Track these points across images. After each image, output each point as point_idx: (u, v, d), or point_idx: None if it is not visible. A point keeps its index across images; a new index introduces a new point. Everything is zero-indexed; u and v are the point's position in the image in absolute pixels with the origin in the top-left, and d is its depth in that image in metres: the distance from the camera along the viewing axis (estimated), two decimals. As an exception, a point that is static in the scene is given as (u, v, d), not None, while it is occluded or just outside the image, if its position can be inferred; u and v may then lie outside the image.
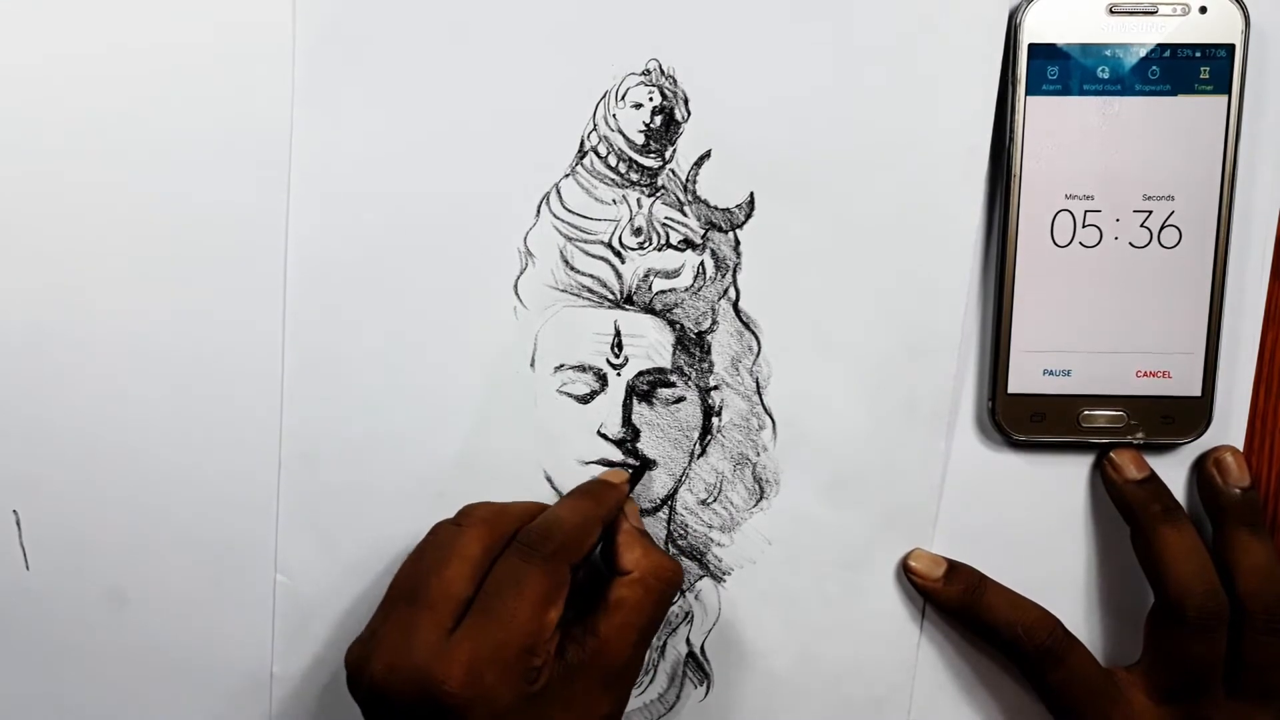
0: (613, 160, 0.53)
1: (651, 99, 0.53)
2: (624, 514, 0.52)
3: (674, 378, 0.54)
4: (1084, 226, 0.52)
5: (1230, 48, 0.50)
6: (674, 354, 0.54)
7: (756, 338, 0.54)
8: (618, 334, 0.54)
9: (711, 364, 0.54)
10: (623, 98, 0.53)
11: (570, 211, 0.53)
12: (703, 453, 0.55)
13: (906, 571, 0.55)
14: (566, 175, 0.53)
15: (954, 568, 0.54)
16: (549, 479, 0.55)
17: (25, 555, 0.56)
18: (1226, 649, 0.51)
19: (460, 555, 0.49)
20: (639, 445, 0.55)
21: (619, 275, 0.54)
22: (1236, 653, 0.51)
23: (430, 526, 0.52)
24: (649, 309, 0.54)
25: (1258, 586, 0.51)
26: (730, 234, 0.53)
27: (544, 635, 0.47)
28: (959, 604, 0.54)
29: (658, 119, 0.53)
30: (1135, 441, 0.53)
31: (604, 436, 0.55)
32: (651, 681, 0.56)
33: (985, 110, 0.52)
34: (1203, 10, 0.50)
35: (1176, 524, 0.52)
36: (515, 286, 0.54)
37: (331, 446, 0.55)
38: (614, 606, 0.49)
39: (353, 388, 0.54)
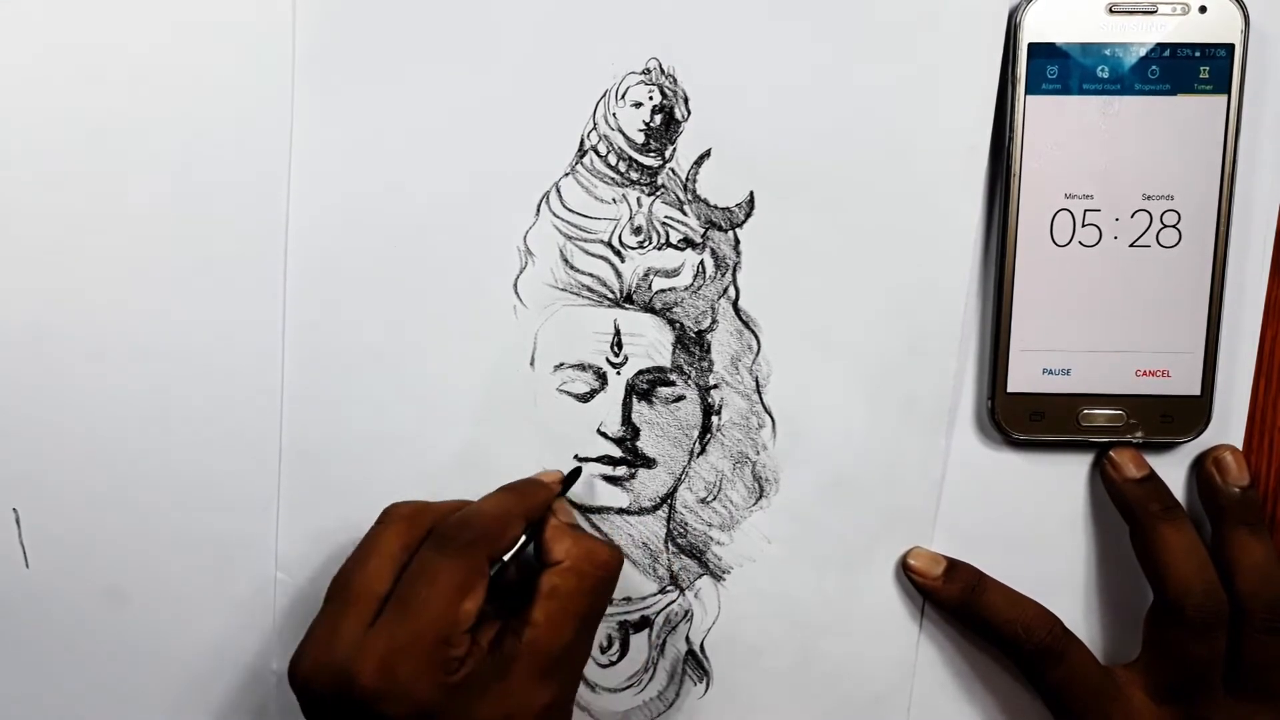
0: (613, 159, 0.53)
1: (651, 98, 0.53)
2: (552, 511, 0.52)
3: (674, 376, 0.54)
4: (1084, 226, 0.52)
5: (1230, 47, 0.50)
6: (674, 353, 0.54)
7: (756, 336, 0.54)
8: (617, 333, 0.54)
9: (711, 363, 0.54)
10: (623, 97, 0.53)
11: (570, 210, 0.53)
12: (702, 451, 0.55)
13: (906, 570, 0.55)
14: (566, 174, 0.53)
15: (953, 566, 0.54)
16: (549, 478, 0.55)
17: (25, 553, 0.56)
18: (1225, 648, 0.51)
19: (379, 552, 0.49)
20: (639, 444, 0.55)
21: (619, 274, 0.54)
22: (1235, 651, 0.51)
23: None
24: (649, 308, 0.54)
25: (1257, 585, 0.51)
26: (730, 233, 0.53)
27: (460, 626, 0.47)
28: (958, 602, 0.54)
29: (658, 118, 0.53)
30: (1135, 440, 0.53)
31: (604, 435, 0.55)
32: (651, 679, 0.56)
33: (985, 109, 0.52)
34: (1202, 10, 0.50)
35: (1176, 523, 0.52)
36: (515, 285, 0.54)
37: (331, 445, 0.55)
38: (547, 594, 0.49)
39: (353, 386, 0.54)
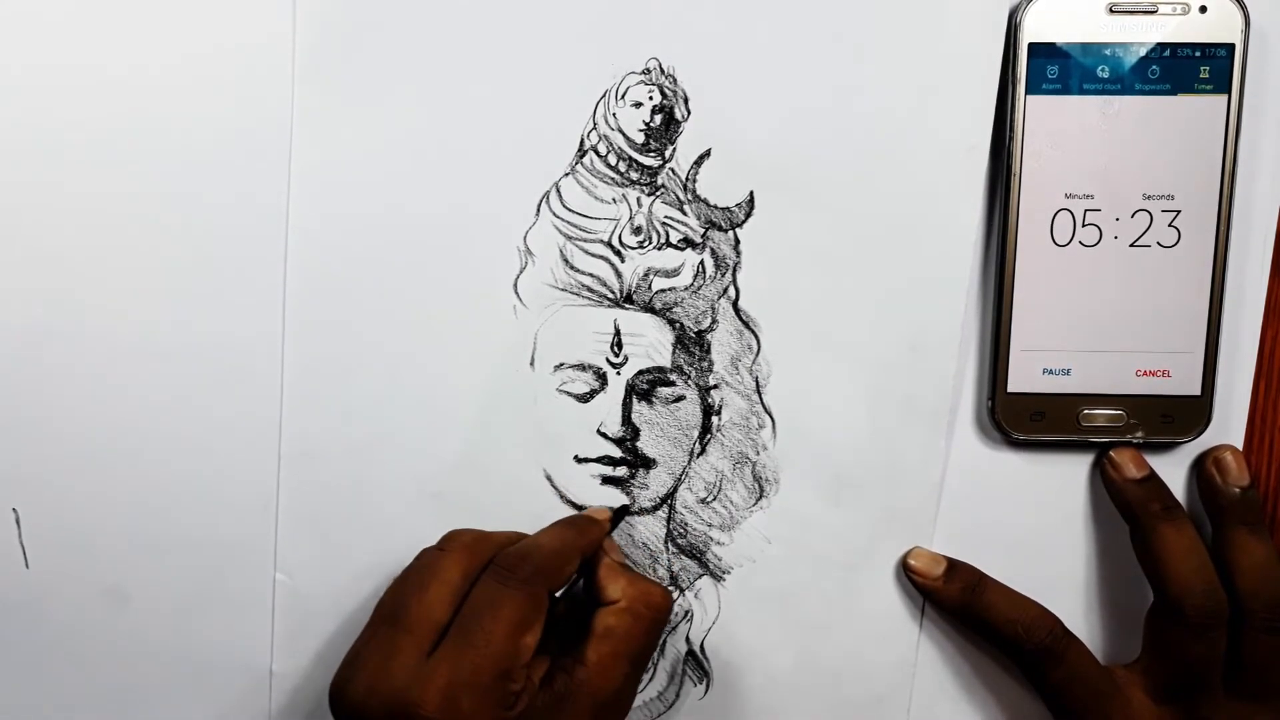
0: (613, 159, 0.53)
1: (651, 98, 0.53)
2: (604, 549, 0.52)
3: (674, 376, 0.54)
4: (1084, 225, 0.52)
5: (1230, 47, 0.50)
6: (674, 353, 0.54)
7: (756, 337, 0.54)
8: (617, 333, 0.54)
9: (711, 363, 0.54)
10: (623, 97, 0.53)
11: (570, 210, 0.53)
12: (702, 451, 0.55)
13: (906, 570, 0.55)
14: (566, 174, 0.53)
15: (953, 566, 0.54)
16: (549, 478, 0.55)
17: (25, 554, 0.56)
18: (1226, 648, 0.51)
19: (440, 579, 0.49)
20: (639, 444, 0.55)
21: (619, 274, 0.54)
22: (1236, 651, 0.51)
23: (429, 527, 0.52)
24: (649, 308, 0.54)
25: (1257, 585, 0.51)
26: (730, 233, 0.53)
27: (520, 659, 0.47)
28: (958, 602, 0.54)
29: (658, 118, 0.53)
30: (1135, 440, 0.53)
31: (604, 435, 0.55)
32: (651, 680, 0.56)
33: (985, 109, 0.52)
34: (1203, 9, 0.50)
35: (1176, 523, 0.52)
36: (515, 285, 0.54)
37: (331, 446, 0.55)
38: (602, 635, 0.49)
39: (352, 387, 0.54)
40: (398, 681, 0.47)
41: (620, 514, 0.55)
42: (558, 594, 0.50)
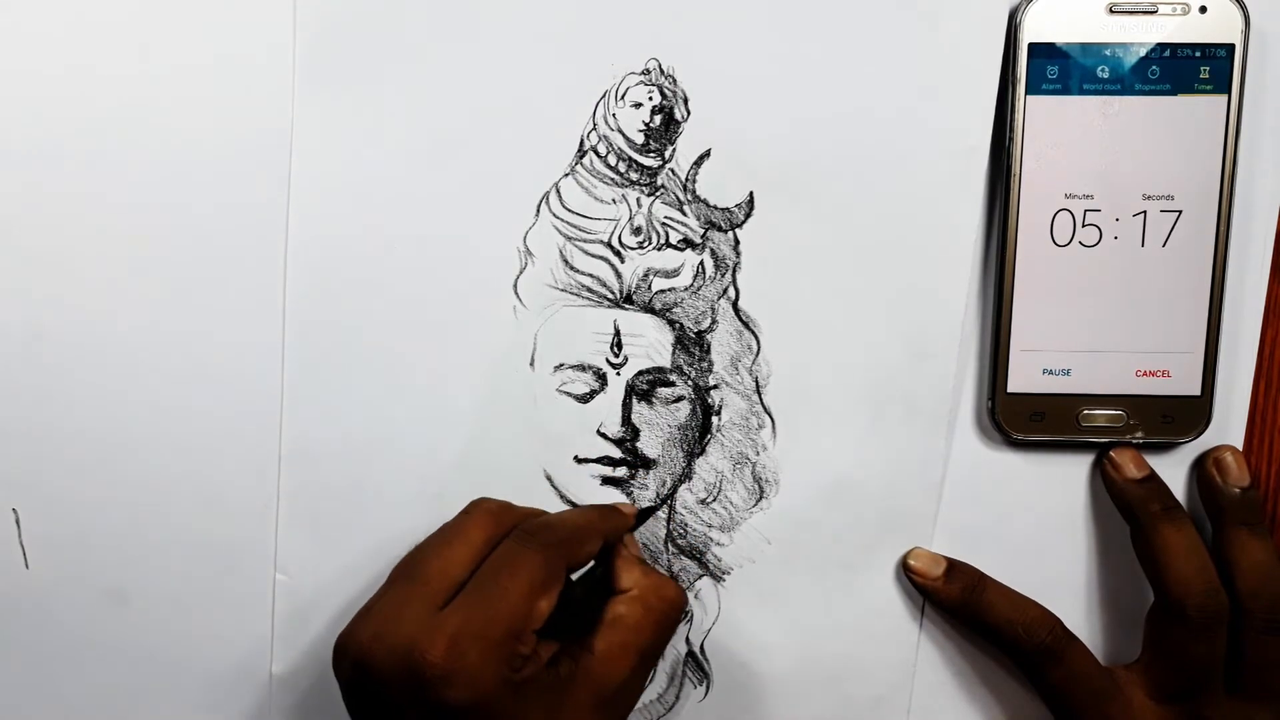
0: (612, 159, 0.53)
1: (651, 98, 0.53)
2: (625, 543, 0.52)
3: (673, 377, 0.54)
4: (1084, 226, 0.52)
5: (1230, 47, 0.50)
6: (673, 353, 0.54)
7: (756, 337, 0.54)
8: (617, 333, 0.54)
9: (711, 363, 0.54)
10: (622, 97, 0.53)
11: (570, 211, 0.53)
12: (702, 452, 0.55)
13: (906, 570, 0.55)
14: (566, 175, 0.53)
15: (953, 566, 0.54)
16: (549, 478, 0.55)
17: (25, 554, 0.56)
18: (1226, 648, 0.51)
19: (462, 538, 0.49)
20: (638, 444, 0.55)
21: (618, 274, 0.54)
22: (1236, 651, 0.51)
23: (429, 527, 0.51)
24: (648, 308, 0.54)
25: (1257, 585, 0.51)
26: (730, 233, 0.53)
27: (532, 622, 0.46)
28: (959, 603, 0.54)
29: (657, 118, 0.53)
30: (1135, 441, 0.53)
31: (603, 436, 0.55)
32: (651, 681, 0.56)
33: (985, 110, 0.52)
34: (1202, 10, 0.50)
35: (1176, 523, 0.52)
36: (515, 286, 0.54)
37: (331, 446, 0.55)
38: (611, 623, 0.49)
39: (352, 387, 0.54)
40: (406, 629, 0.46)
41: (646, 514, 0.54)
42: (575, 575, 0.50)
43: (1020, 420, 0.53)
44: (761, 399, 0.54)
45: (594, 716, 0.47)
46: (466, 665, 0.45)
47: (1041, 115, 0.51)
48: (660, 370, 0.54)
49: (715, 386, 0.54)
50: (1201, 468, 0.54)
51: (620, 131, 0.53)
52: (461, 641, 0.45)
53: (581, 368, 0.55)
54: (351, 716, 0.48)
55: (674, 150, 0.53)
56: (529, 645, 0.46)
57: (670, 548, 0.55)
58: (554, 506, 0.55)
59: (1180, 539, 0.52)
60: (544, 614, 0.47)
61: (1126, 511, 0.53)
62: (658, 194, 0.53)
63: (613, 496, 0.55)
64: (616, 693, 0.48)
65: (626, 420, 0.55)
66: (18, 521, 0.56)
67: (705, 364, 0.54)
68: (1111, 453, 0.53)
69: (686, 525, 0.55)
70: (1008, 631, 0.53)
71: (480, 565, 0.48)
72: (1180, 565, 0.51)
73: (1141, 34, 0.51)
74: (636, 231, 0.54)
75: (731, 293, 0.54)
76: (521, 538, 0.48)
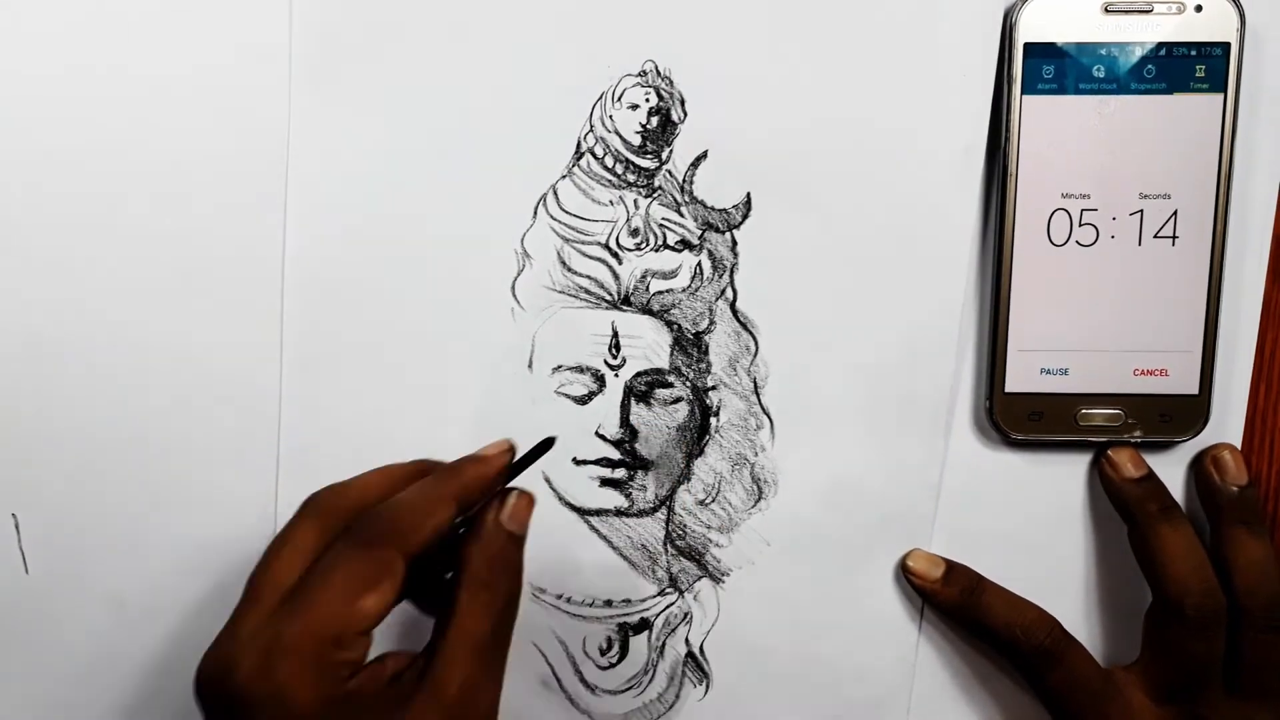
0: (609, 161, 0.53)
1: (648, 100, 0.53)
2: (497, 503, 0.46)
3: (672, 378, 0.54)
4: (1080, 225, 0.52)
5: (1226, 46, 0.50)
6: (672, 354, 0.54)
7: (754, 338, 0.54)
8: (615, 335, 0.54)
9: (709, 364, 0.54)
10: (619, 99, 0.53)
11: (567, 213, 0.54)
12: (701, 453, 0.55)
13: (905, 572, 0.55)
14: (563, 177, 0.53)
15: (952, 568, 0.54)
16: (547, 480, 0.55)
17: (24, 559, 0.56)
18: (1225, 647, 0.51)
19: (291, 544, 0.45)
20: (637, 446, 0.55)
21: (616, 276, 0.54)
22: (1235, 651, 0.51)
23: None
24: (646, 310, 0.54)
25: (1255, 584, 0.51)
26: (727, 234, 0.54)
27: (354, 625, 0.42)
28: (957, 604, 0.54)
29: (654, 120, 0.53)
30: (1133, 440, 0.53)
31: (602, 437, 0.55)
32: (651, 681, 0.56)
33: (981, 110, 0.52)
34: (1198, 9, 0.50)
35: (1174, 522, 0.52)
36: (513, 288, 0.54)
37: (330, 448, 0.55)
38: (451, 617, 0.44)
39: (351, 389, 0.54)
40: (225, 648, 0.42)
41: (535, 453, 0.47)
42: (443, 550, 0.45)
43: (1018, 420, 0.53)
44: (760, 400, 0.54)
45: None
46: (278, 683, 0.41)
47: (1037, 115, 0.51)
48: (658, 371, 0.54)
49: (713, 387, 0.55)
50: (1199, 466, 0.53)
51: (617, 133, 0.53)
52: (271, 658, 0.41)
53: (580, 369, 0.55)
54: None
55: (671, 152, 0.53)
56: (356, 650, 0.43)
57: (669, 549, 0.55)
58: (554, 509, 0.55)
59: (1178, 539, 0.52)
60: (372, 613, 0.42)
61: (1124, 511, 0.53)
62: (655, 195, 0.53)
63: (612, 498, 0.55)
64: (462, 699, 0.43)
65: (625, 421, 0.55)
66: (17, 527, 0.56)
67: (703, 365, 0.54)
68: (1110, 452, 0.53)
69: (685, 526, 0.55)
70: (1006, 633, 0.53)
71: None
72: (1178, 565, 0.51)
73: (1137, 33, 0.51)
74: (634, 233, 0.54)
75: (729, 294, 0.54)
76: (344, 536, 0.44)
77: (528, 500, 0.46)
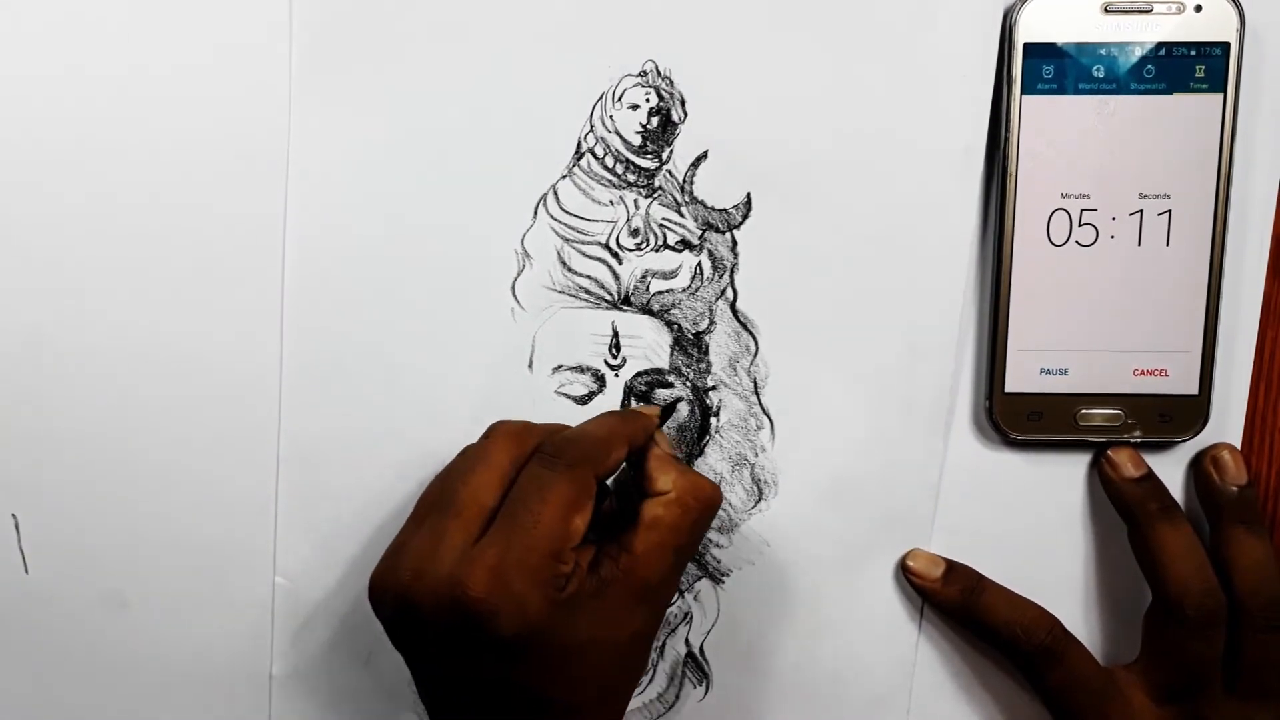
0: (610, 161, 0.53)
1: (648, 100, 0.53)
2: (655, 440, 0.51)
3: (672, 378, 0.55)
4: (1080, 225, 0.52)
5: (1225, 46, 0.51)
6: (672, 354, 0.54)
7: (754, 338, 0.54)
8: (615, 335, 0.54)
9: (709, 364, 0.54)
10: (619, 99, 0.53)
11: (567, 213, 0.54)
12: (701, 453, 0.55)
13: (905, 571, 0.55)
14: (563, 177, 0.53)
15: (952, 568, 0.54)
16: (547, 480, 0.55)
17: (25, 559, 0.56)
18: (1225, 647, 0.51)
19: (487, 464, 0.48)
20: (637, 446, 0.55)
21: (616, 276, 0.54)
22: (1235, 651, 0.51)
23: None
24: (646, 310, 0.54)
25: (1255, 584, 0.51)
26: (727, 234, 0.54)
27: (569, 541, 0.46)
28: (957, 604, 0.54)
29: (654, 120, 0.53)
30: (1133, 440, 0.53)
31: (602, 437, 0.55)
32: (651, 681, 0.56)
33: (981, 110, 0.52)
34: (1198, 9, 0.50)
35: (1174, 522, 0.52)
36: (513, 288, 0.54)
37: (330, 448, 0.55)
38: (649, 525, 0.48)
39: (351, 389, 0.54)
40: (446, 565, 0.46)
41: (668, 411, 0.54)
42: (608, 482, 0.50)
43: (1018, 420, 0.53)
44: (760, 400, 0.54)
45: (633, 612, 0.48)
46: (511, 595, 0.45)
47: (1037, 115, 0.51)
48: (659, 372, 0.54)
49: (713, 387, 0.55)
50: (1199, 466, 0.53)
51: (617, 133, 0.53)
52: (503, 571, 0.45)
53: (580, 369, 0.55)
54: (399, 652, 0.48)
55: (671, 152, 0.53)
56: (569, 563, 0.47)
57: (669, 549, 0.55)
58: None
59: (1178, 538, 0.52)
60: (580, 530, 0.47)
61: (1124, 511, 0.53)
62: (655, 195, 0.53)
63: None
64: (656, 589, 0.48)
65: (625, 422, 0.55)
66: (17, 527, 0.56)
67: (703, 365, 0.54)
68: (1109, 452, 0.53)
69: (685, 526, 0.55)
70: (1006, 633, 0.53)
71: (509, 490, 0.48)
72: (1178, 565, 0.51)
73: (1137, 33, 0.51)
74: (634, 233, 0.54)
75: (729, 294, 0.54)
76: (546, 460, 0.48)
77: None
